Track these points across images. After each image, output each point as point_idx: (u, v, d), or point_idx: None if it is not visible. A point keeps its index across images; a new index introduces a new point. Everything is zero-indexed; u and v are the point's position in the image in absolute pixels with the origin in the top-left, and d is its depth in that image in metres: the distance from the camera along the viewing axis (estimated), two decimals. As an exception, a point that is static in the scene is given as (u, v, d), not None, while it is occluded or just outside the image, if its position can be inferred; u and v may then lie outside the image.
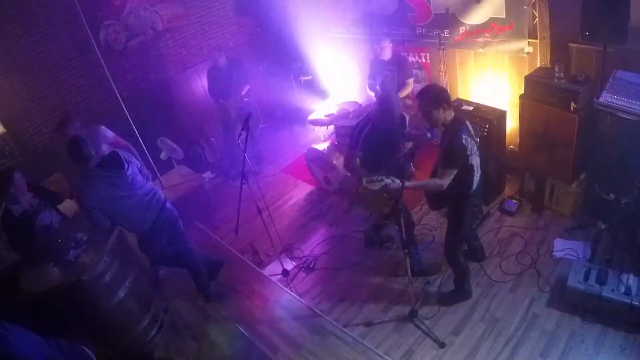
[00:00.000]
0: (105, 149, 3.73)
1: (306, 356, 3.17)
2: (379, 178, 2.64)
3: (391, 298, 3.52)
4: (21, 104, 4.65)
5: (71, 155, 3.02)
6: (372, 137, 3.20)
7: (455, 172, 2.68)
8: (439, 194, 2.91)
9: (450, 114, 2.75)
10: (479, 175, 2.86)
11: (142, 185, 3.28)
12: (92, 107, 5.19)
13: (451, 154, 2.67)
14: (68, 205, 3.59)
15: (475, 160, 2.78)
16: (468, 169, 2.76)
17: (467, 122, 2.80)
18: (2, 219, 3.09)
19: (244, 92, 5.28)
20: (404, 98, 4.74)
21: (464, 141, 2.65)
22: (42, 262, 3.02)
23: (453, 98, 4.55)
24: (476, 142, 2.77)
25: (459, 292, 3.33)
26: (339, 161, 4.50)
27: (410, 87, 4.72)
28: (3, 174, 3.17)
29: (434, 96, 2.70)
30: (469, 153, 2.69)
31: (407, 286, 3.21)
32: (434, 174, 2.90)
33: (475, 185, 2.86)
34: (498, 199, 4.22)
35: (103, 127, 4.00)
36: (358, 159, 3.28)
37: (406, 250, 2.98)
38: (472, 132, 2.78)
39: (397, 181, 2.67)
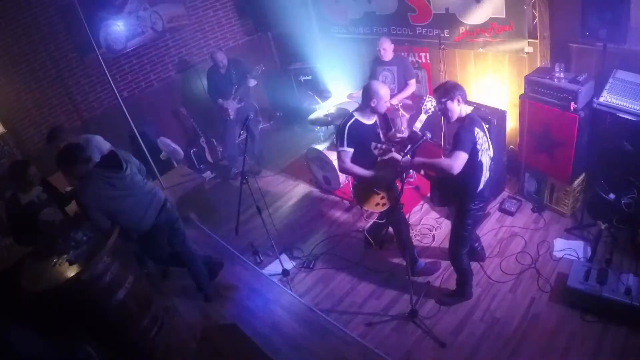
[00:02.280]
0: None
1: (306, 356, 3.18)
2: (388, 148, 2.64)
3: (391, 298, 3.52)
4: (21, 104, 4.66)
5: (68, 163, 3.02)
6: (357, 131, 3.10)
7: (465, 156, 2.65)
8: (445, 190, 2.92)
9: (465, 109, 2.78)
10: (487, 176, 2.87)
11: (142, 184, 3.28)
12: (93, 107, 5.20)
13: (460, 137, 2.68)
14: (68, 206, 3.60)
15: (486, 159, 2.80)
16: (477, 166, 2.77)
17: (482, 123, 2.82)
18: (8, 204, 3.21)
19: (252, 85, 5.26)
20: (405, 99, 4.74)
21: (475, 132, 2.68)
22: (42, 258, 3.04)
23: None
24: (489, 142, 2.80)
25: (460, 293, 3.33)
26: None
27: (413, 87, 4.72)
28: (19, 164, 3.32)
29: (447, 89, 2.74)
30: (479, 147, 2.71)
31: (407, 286, 3.21)
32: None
33: (482, 185, 2.87)
34: (498, 199, 4.22)
35: (99, 137, 3.91)
36: (348, 159, 3.15)
37: (406, 250, 2.98)
38: (487, 132, 2.80)
39: (408, 156, 2.68)
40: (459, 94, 2.71)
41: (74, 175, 3.09)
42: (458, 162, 2.64)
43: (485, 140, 2.77)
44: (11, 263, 3.46)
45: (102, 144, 3.84)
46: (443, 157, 2.89)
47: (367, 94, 3.05)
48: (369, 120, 3.14)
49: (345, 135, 3.09)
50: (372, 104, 3.05)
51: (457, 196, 2.95)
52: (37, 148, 4.74)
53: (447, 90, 2.73)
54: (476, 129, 2.70)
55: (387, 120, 3.31)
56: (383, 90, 3.04)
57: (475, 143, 2.69)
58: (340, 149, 3.12)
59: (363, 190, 3.24)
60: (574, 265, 3.17)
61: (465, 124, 2.73)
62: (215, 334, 3.50)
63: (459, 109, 2.74)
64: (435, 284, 3.54)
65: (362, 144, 3.13)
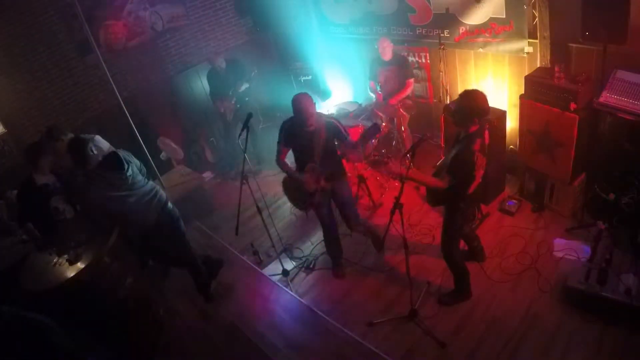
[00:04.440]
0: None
1: (306, 356, 3.18)
2: (384, 160, 2.66)
3: (391, 298, 3.52)
4: (21, 104, 4.65)
5: (71, 155, 3.03)
6: (288, 132, 3.33)
7: (455, 181, 2.72)
8: (436, 191, 2.94)
9: (474, 127, 2.71)
10: (478, 182, 2.88)
11: (143, 184, 3.28)
12: (93, 107, 5.19)
13: (457, 166, 2.69)
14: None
15: (479, 173, 2.80)
16: (469, 179, 2.78)
17: (486, 135, 2.79)
18: (23, 184, 3.30)
19: (241, 89, 5.28)
20: (404, 98, 4.75)
21: (474, 157, 2.66)
22: (42, 258, 3.04)
23: (453, 98, 4.57)
24: (485, 158, 2.79)
25: (459, 293, 3.33)
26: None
27: (411, 87, 4.73)
28: (33, 147, 3.38)
29: (470, 107, 2.64)
30: (475, 168, 2.71)
31: (407, 286, 3.21)
32: (438, 173, 2.93)
33: (472, 189, 2.88)
34: (498, 199, 4.22)
35: (98, 137, 3.92)
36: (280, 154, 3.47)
37: (406, 251, 2.98)
38: (486, 145, 2.80)
39: (401, 167, 2.70)
40: (476, 116, 2.63)
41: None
42: (447, 184, 2.70)
43: (484, 154, 2.76)
44: (11, 263, 3.46)
45: (101, 144, 3.83)
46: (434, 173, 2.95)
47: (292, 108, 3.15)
48: (308, 127, 3.19)
49: (280, 132, 3.39)
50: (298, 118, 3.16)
51: (448, 199, 2.97)
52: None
53: (466, 108, 2.64)
54: (476, 152, 2.66)
55: (335, 132, 3.28)
56: (298, 106, 3.11)
57: (472, 167, 2.69)
58: (279, 144, 3.43)
59: (291, 185, 3.54)
60: (574, 265, 3.17)
61: (469, 145, 2.66)
62: (215, 334, 3.50)
63: (468, 125, 2.70)
64: (436, 284, 3.53)
65: (293, 146, 3.40)
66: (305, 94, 3.18)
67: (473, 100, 2.65)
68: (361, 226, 3.80)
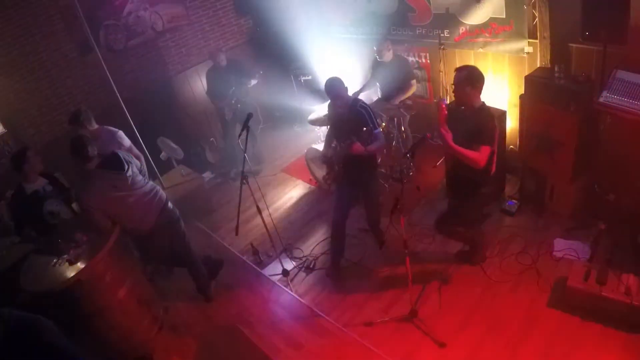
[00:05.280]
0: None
1: (306, 356, 3.18)
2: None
3: (391, 298, 3.52)
4: (21, 104, 4.66)
5: (72, 153, 3.03)
6: (329, 110, 3.70)
7: (490, 150, 2.76)
8: (462, 177, 3.01)
9: (478, 100, 2.83)
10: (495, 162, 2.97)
11: (143, 185, 3.28)
12: (93, 107, 5.18)
13: (485, 131, 2.75)
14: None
15: (495, 147, 2.88)
16: (492, 154, 2.85)
17: None
18: (14, 195, 3.29)
19: (250, 85, 5.28)
20: (405, 99, 4.74)
21: (495, 122, 2.80)
22: (42, 258, 3.04)
23: (452, 98, 4.57)
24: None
25: (476, 249, 3.53)
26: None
27: (414, 88, 4.72)
28: (18, 152, 3.34)
29: (467, 74, 2.79)
30: (495, 133, 2.82)
31: (407, 286, 3.21)
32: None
33: (493, 169, 2.97)
34: (498, 199, 4.22)
35: (121, 132, 3.96)
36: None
37: (406, 251, 2.98)
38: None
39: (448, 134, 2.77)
40: (475, 82, 2.76)
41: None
42: (485, 157, 2.75)
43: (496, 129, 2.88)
44: (11, 263, 3.47)
45: (124, 140, 3.89)
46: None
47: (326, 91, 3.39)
48: (341, 108, 3.39)
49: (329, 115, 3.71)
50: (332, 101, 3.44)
51: (470, 183, 3.00)
52: (35, 148, 4.74)
53: (463, 75, 2.77)
54: (494, 119, 2.80)
55: (360, 119, 3.27)
56: (326, 89, 3.33)
57: (495, 131, 2.80)
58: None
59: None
60: (574, 265, 3.17)
61: (486, 114, 2.79)
62: (215, 334, 3.50)
63: (471, 95, 2.80)
64: (435, 284, 3.53)
65: (330, 123, 3.71)
66: (335, 78, 3.34)
67: (470, 68, 2.85)
68: (379, 229, 3.85)
